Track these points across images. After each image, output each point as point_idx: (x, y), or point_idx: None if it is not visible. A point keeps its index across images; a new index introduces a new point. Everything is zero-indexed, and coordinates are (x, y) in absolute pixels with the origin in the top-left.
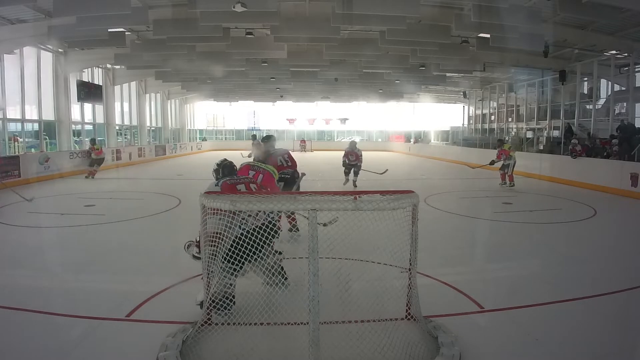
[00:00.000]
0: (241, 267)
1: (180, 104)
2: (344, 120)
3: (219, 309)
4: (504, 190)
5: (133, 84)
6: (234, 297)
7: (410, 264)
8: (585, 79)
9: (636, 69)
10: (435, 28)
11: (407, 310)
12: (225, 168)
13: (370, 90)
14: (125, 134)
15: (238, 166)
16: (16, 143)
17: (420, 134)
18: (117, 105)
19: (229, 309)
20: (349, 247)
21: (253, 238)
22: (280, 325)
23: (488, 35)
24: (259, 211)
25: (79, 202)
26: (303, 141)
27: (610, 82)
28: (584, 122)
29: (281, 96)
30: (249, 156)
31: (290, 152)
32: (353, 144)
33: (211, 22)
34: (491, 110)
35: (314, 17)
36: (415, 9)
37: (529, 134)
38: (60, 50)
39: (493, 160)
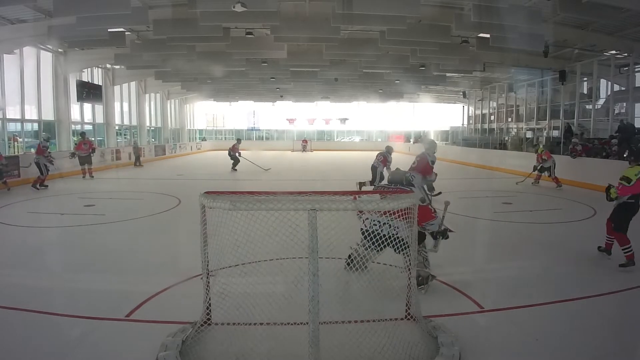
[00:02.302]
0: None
1: (180, 104)
2: (344, 120)
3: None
4: (505, 190)
5: (133, 84)
6: None
7: (410, 264)
8: (585, 79)
9: (636, 69)
10: (435, 28)
11: (407, 310)
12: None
13: (370, 90)
14: (125, 134)
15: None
16: (16, 143)
17: (420, 134)
18: (117, 105)
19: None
20: (349, 247)
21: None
22: (280, 325)
23: (488, 35)
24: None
25: (79, 202)
26: (305, 141)
27: (610, 82)
28: (584, 122)
29: (281, 96)
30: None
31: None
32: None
33: (211, 22)
34: (491, 110)
35: (314, 17)
36: (415, 9)
37: (529, 134)
38: (60, 50)
39: (535, 166)
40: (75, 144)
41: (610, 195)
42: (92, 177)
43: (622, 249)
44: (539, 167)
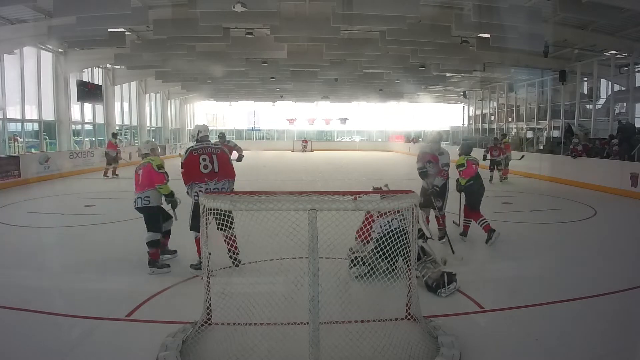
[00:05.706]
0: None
1: (180, 104)
2: (344, 120)
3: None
4: (504, 190)
5: (133, 84)
6: None
7: (410, 263)
8: (585, 79)
9: (636, 69)
10: (435, 28)
11: (407, 310)
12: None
13: (370, 90)
14: (125, 134)
15: None
16: (16, 143)
17: (420, 134)
18: (117, 105)
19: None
20: (349, 247)
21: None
22: (280, 325)
23: (488, 35)
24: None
25: (79, 202)
26: (305, 141)
27: (610, 82)
28: (584, 122)
29: (281, 96)
30: None
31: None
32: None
33: (211, 22)
34: (491, 110)
35: (314, 17)
36: (415, 9)
37: (529, 134)
38: (60, 50)
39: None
40: (115, 142)
41: (461, 184)
42: (117, 175)
43: (481, 222)
44: (502, 160)
